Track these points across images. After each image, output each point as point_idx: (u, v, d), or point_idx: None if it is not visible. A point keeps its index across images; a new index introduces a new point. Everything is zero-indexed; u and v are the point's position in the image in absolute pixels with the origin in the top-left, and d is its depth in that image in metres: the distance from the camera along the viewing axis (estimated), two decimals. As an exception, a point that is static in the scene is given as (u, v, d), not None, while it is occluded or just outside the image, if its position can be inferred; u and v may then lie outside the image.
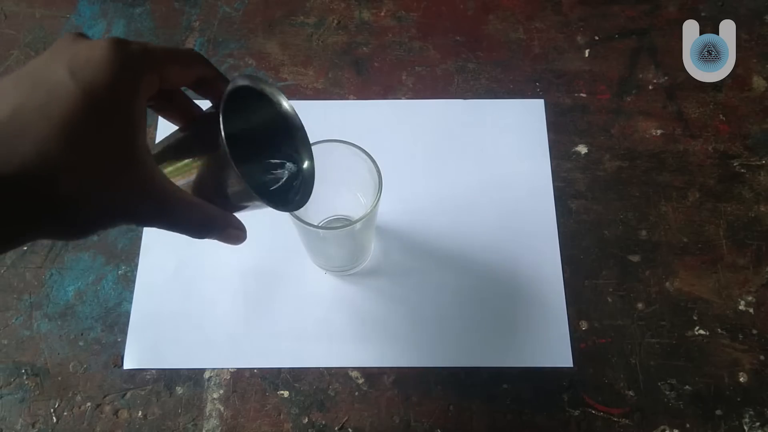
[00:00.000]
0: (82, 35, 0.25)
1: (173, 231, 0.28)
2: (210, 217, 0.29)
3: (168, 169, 0.29)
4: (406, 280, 0.51)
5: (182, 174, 0.29)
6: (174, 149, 0.30)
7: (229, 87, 0.28)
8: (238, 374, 0.48)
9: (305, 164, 0.35)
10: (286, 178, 0.35)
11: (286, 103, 0.33)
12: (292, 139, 0.34)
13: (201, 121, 0.31)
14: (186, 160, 0.29)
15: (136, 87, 0.25)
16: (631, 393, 0.47)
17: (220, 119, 0.27)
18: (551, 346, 0.48)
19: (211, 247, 0.52)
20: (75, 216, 0.23)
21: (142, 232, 0.52)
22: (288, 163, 0.35)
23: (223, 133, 0.27)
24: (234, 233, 0.31)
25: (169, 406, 0.47)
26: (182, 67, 0.28)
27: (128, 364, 0.48)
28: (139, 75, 0.25)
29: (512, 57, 0.60)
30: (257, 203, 0.30)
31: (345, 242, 0.45)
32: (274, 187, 0.35)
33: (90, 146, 0.23)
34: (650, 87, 0.58)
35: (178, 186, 0.27)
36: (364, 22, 0.61)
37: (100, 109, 0.23)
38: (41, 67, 0.24)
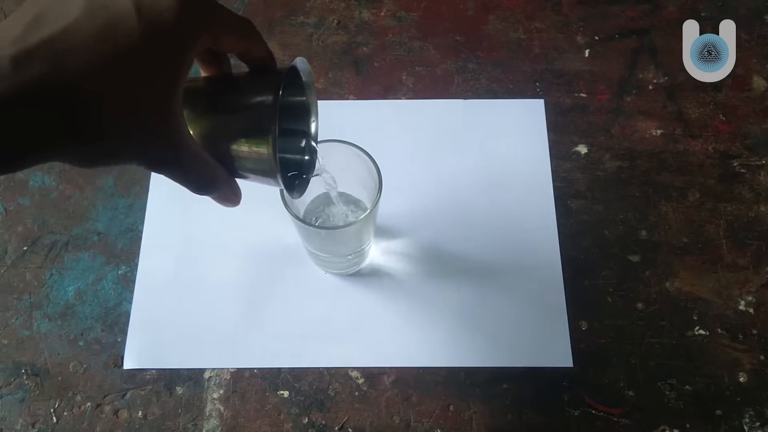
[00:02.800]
0: None
1: (176, 181, 0.28)
2: (217, 178, 0.29)
3: (189, 115, 0.29)
4: (406, 280, 0.51)
5: (203, 127, 0.29)
6: (207, 101, 0.30)
7: (287, 70, 0.29)
8: (238, 374, 0.48)
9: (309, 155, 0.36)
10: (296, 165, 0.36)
11: (314, 98, 0.34)
12: (304, 131, 0.35)
13: (246, 88, 0.30)
14: (216, 118, 0.29)
15: (194, 40, 0.25)
16: (631, 393, 0.47)
17: (277, 104, 0.28)
18: (551, 346, 0.48)
19: (211, 247, 0.52)
20: (98, 143, 0.23)
21: (142, 233, 0.52)
22: (314, 152, 0.36)
23: (276, 118, 0.27)
24: (231, 197, 0.31)
25: (169, 406, 0.47)
26: (238, 37, 0.28)
27: (128, 364, 0.48)
28: (199, 30, 0.25)
29: (512, 57, 0.60)
30: (271, 183, 0.31)
31: (345, 242, 0.45)
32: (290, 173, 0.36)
33: (135, 82, 0.23)
34: (650, 87, 0.58)
35: (193, 137, 0.27)
36: (364, 22, 0.61)
37: (154, 51, 0.24)
38: None
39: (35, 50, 0.21)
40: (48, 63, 0.21)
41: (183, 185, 0.28)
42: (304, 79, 0.33)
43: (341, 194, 0.48)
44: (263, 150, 0.29)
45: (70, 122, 0.22)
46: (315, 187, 0.48)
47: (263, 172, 0.30)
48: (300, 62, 0.31)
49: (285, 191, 0.33)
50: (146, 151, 0.25)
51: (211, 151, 0.28)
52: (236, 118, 0.29)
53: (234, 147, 0.29)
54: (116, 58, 0.22)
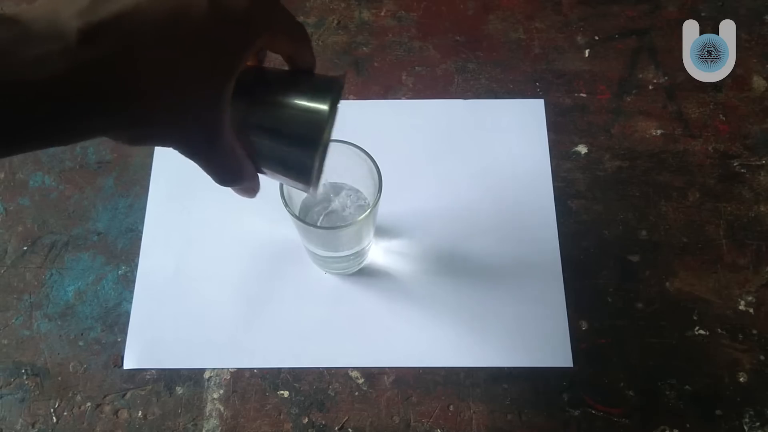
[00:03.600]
0: None
1: (204, 170, 0.27)
2: (244, 173, 0.29)
3: (233, 104, 0.28)
4: (406, 280, 0.51)
5: (244, 119, 0.28)
6: (255, 94, 0.29)
7: (340, 81, 0.29)
8: (238, 374, 0.48)
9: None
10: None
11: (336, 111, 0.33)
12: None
13: (299, 91, 0.30)
14: (260, 115, 0.29)
15: (256, 37, 0.25)
16: (631, 393, 0.47)
17: (333, 117, 0.28)
18: (551, 346, 0.48)
19: (211, 247, 0.52)
20: (148, 126, 0.23)
21: (142, 233, 0.52)
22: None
23: (330, 131, 0.27)
24: (250, 190, 0.31)
25: (169, 406, 0.47)
26: (291, 40, 0.28)
27: (128, 364, 0.48)
28: (263, 28, 0.25)
29: (512, 57, 0.60)
30: (298, 186, 0.31)
31: (345, 242, 0.45)
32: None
33: (195, 70, 0.23)
34: (650, 87, 0.58)
35: (230, 130, 0.27)
36: (364, 22, 0.61)
37: (219, 41, 0.24)
38: None
39: (105, 25, 0.20)
40: (116, 40, 0.21)
41: (209, 174, 0.28)
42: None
43: (338, 185, 0.47)
44: (307, 160, 0.28)
45: (126, 101, 0.21)
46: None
47: (297, 177, 0.30)
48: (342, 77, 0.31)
49: (310, 190, 0.32)
50: (189, 138, 0.25)
51: (244, 144, 0.28)
52: (284, 120, 0.29)
53: (274, 147, 0.29)
54: (182, 42, 0.22)
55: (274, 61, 0.30)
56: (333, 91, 0.29)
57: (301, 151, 0.29)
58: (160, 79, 0.22)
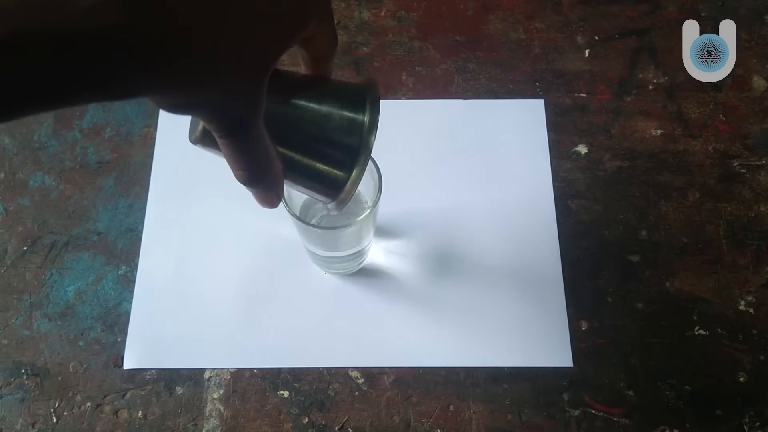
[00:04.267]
0: None
1: (231, 160, 0.26)
2: (272, 171, 0.27)
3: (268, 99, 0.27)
4: (406, 280, 0.51)
5: (276, 118, 0.27)
6: (289, 92, 0.28)
7: (376, 100, 0.28)
8: (238, 374, 0.48)
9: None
10: None
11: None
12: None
13: (337, 96, 0.28)
14: (293, 115, 0.28)
15: (306, 24, 0.25)
16: (631, 393, 0.47)
17: (374, 129, 0.27)
18: (551, 346, 0.48)
19: (211, 247, 0.52)
20: (191, 92, 0.22)
21: (142, 233, 0.52)
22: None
23: (372, 141, 0.27)
24: (273, 198, 0.29)
25: (169, 406, 0.47)
26: (327, 42, 0.28)
27: (128, 364, 0.48)
28: (320, 14, 0.26)
29: (512, 57, 0.60)
30: (321, 198, 0.30)
31: (345, 242, 0.45)
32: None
33: (246, 43, 0.22)
34: (650, 87, 0.58)
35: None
36: (364, 22, 0.61)
37: (273, 18, 0.23)
38: None
39: None
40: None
41: (234, 165, 0.26)
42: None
43: None
44: (344, 171, 0.27)
45: (177, 53, 0.20)
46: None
47: (326, 191, 0.29)
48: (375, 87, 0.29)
49: (335, 205, 0.31)
50: (229, 108, 0.24)
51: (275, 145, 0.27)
52: (325, 128, 0.27)
53: (309, 154, 0.28)
54: (240, 12, 0.22)
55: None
56: (375, 100, 0.28)
57: (338, 162, 0.27)
58: (212, 35, 0.21)
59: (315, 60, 0.29)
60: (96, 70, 0.19)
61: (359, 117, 0.28)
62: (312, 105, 0.28)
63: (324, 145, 0.28)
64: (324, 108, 0.28)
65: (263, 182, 0.28)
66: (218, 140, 0.25)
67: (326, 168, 0.28)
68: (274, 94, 0.25)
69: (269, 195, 0.29)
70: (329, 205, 0.31)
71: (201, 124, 0.26)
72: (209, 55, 0.21)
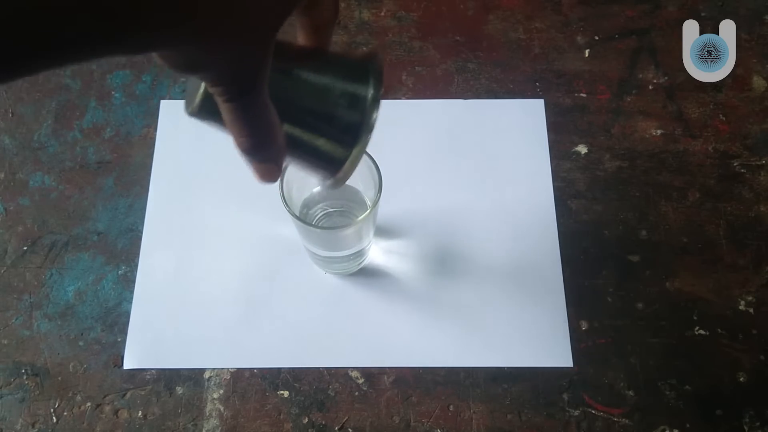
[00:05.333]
0: None
1: (234, 125, 0.25)
2: (275, 136, 0.26)
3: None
4: (405, 280, 0.51)
5: (279, 88, 0.26)
6: (288, 66, 0.27)
7: (379, 73, 0.27)
8: (238, 374, 0.48)
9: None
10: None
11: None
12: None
13: (339, 68, 0.27)
14: (297, 86, 0.26)
15: None
16: (631, 393, 0.47)
17: (375, 107, 0.25)
18: (551, 346, 0.48)
19: (211, 247, 0.52)
20: (201, 44, 0.21)
21: (142, 233, 0.52)
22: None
23: (375, 116, 0.25)
24: (274, 169, 0.28)
25: (169, 406, 0.47)
26: (334, 8, 0.28)
27: (128, 364, 0.48)
28: None
29: (512, 57, 0.60)
30: (322, 174, 0.28)
31: (345, 242, 0.45)
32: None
33: None
34: (650, 87, 0.58)
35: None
36: (364, 22, 0.61)
37: None
38: None
39: None
40: None
41: (237, 131, 0.25)
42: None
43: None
44: (346, 147, 0.26)
45: (192, 17, 0.20)
46: (311, 184, 0.48)
47: (325, 165, 0.27)
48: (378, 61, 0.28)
49: (333, 182, 0.29)
50: (234, 71, 0.23)
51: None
52: (328, 100, 0.26)
53: (310, 127, 0.26)
54: None
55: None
56: (378, 74, 0.26)
57: (338, 139, 0.26)
58: None
59: (315, 28, 0.28)
60: (120, 22, 0.19)
61: (361, 91, 0.26)
62: (311, 77, 0.27)
63: (323, 121, 0.27)
64: (324, 80, 0.27)
65: (266, 152, 0.26)
66: (222, 106, 0.24)
67: (325, 144, 0.27)
68: (272, 63, 0.24)
69: (270, 167, 0.27)
70: (327, 182, 0.30)
71: (201, 92, 0.25)
72: (224, 9, 0.21)
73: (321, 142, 0.27)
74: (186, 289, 0.50)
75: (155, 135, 0.56)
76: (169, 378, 0.47)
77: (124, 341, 0.49)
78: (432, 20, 0.62)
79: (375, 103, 0.26)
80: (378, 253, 0.52)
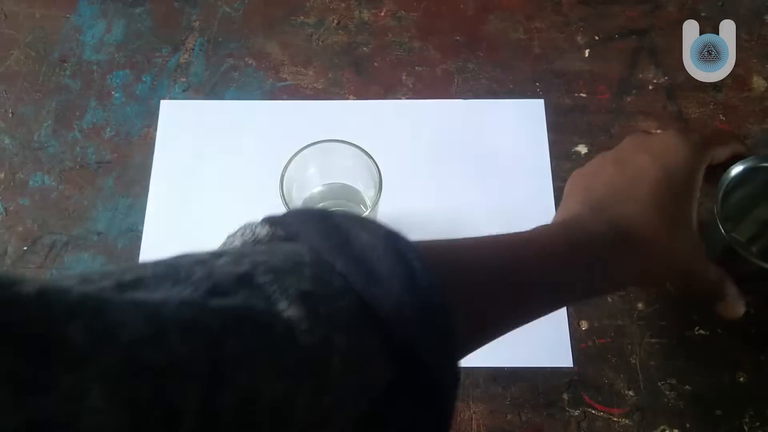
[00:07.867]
0: (647, 132, 0.40)
1: (687, 293, 0.38)
2: (724, 288, 0.36)
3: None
4: (406, 280, 0.50)
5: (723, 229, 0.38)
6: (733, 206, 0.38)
7: None
8: (238, 374, 0.48)
9: None
10: None
11: None
12: None
13: None
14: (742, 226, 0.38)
15: (699, 166, 0.35)
16: (631, 393, 0.47)
17: None
18: (551, 346, 0.48)
19: (211, 247, 0.52)
20: (656, 264, 0.35)
21: (142, 233, 0.52)
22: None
23: None
24: (736, 308, 0.38)
25: (169, 406, 0.47)
26: (727, 146, 0.38)
27: (128, 364, 0.48)
28: (700, 158, 0.35)
29: (512, 57, 0.60)
30: None
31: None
32: None
33: (666, 210, 0.33)
34: (650, 87, 0.58)
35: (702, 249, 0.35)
36: (364, 22, 0.61)
37: (675, 183, 0.34)
38: (628, 156, 0.36)
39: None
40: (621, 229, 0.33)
41: (693, 295, 0.36)
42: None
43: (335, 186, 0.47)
44: None
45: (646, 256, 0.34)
46: (312, 184, 0.48)
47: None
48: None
49: None
50: (680, 269, 0.35)
51: (728, 264, 0.36)
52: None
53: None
54: (651, 195, 0.33)
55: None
56: None
57: None
58: (649, 230, 0.33)
59: (728, 161, 0.40)
60: (605, 267, 0.33)
61: None
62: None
63: None
64: None
65: (719, 301, 0.38)
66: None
67: None
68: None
69: (731, 306, 0.38)
70: None
71: None
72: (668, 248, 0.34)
73: None
74: (186, 289, 0.50)
75: (155, 135, 0.56)
76: (169, 378, 0.47)
77: (124, 341, 0.48)
78: (432, 20, 0.62)
79: None
80: (378, 253, 0.52)
